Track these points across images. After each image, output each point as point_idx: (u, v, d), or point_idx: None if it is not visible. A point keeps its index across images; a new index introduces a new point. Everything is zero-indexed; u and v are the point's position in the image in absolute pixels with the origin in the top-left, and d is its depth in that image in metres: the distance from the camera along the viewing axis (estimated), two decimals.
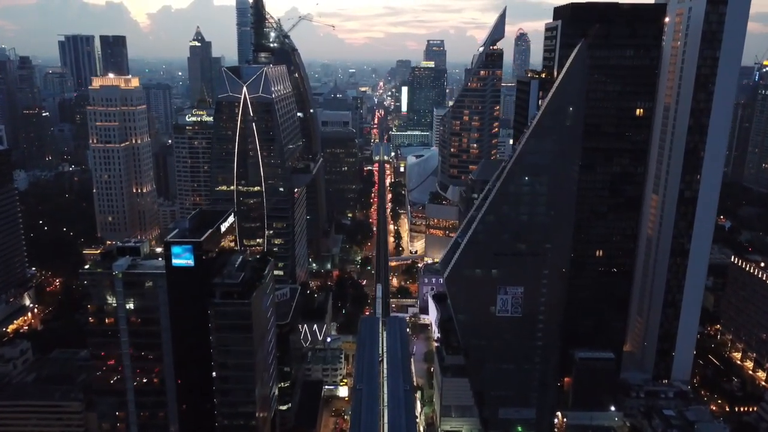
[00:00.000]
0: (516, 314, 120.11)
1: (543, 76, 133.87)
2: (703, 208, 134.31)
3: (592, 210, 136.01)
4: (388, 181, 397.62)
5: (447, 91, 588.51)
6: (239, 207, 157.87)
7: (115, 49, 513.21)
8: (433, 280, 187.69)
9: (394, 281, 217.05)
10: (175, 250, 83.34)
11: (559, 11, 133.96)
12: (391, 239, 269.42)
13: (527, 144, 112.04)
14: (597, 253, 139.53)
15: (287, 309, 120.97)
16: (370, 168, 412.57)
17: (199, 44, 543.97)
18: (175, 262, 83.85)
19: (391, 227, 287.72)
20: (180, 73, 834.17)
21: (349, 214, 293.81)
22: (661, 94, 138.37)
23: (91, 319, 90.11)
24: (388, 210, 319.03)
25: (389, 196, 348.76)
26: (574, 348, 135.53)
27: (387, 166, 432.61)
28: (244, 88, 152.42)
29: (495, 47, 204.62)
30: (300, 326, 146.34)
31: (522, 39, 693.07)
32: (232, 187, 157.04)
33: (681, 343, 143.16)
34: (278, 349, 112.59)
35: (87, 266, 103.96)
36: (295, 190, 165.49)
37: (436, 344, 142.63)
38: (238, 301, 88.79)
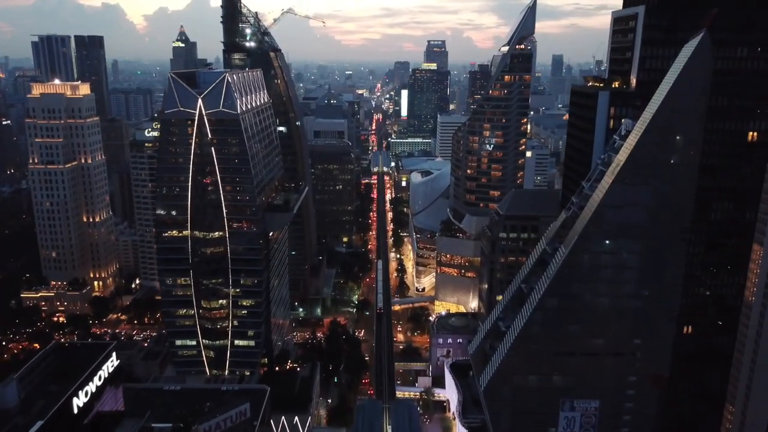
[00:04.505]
0: None
1: (615, 85, 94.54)
2: None
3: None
4: (387, 195, 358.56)
5: (448, 93, 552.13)
6: (195, 258, 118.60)
7: (91, 50, 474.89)
8: (449, 340, 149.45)
9: (399, 333, 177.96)
10: None
11: None
12: (393, 266, 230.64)
13: (611, 192, 73.12)
14: (685, 329, 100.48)
15: None
16: (368, 181, 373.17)
17: (183, 45, 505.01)
18: None
19: (393, 253, 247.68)
20: None
21: (345, 239, 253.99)
22: None
23: None
24: (389, 232, 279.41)
25: (390, 215, 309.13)
26: None
27: (386, 178, 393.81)
28: (200, 101, 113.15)
29: (522, 46, 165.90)
30: (274, 422, 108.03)
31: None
32: (185, 233, 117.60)
33: None
34: None
35: None
36: (271, 234, 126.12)
37: None
38: None
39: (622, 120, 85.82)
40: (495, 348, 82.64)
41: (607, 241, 75.80)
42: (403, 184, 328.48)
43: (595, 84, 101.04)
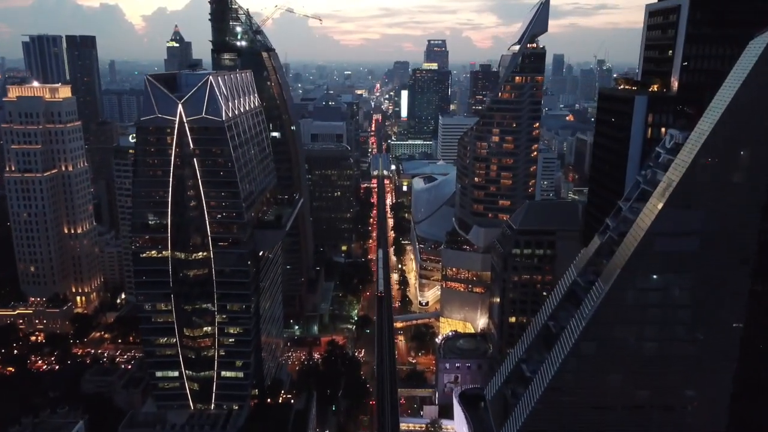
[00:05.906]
0: None
1: (654, 89, 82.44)
2: None
3: None
4: (388, 200, 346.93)
5: (449, 93, 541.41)
6: (176, 281, 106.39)
7: (83, 50, 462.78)
8: (457, 364, 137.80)
9: (402, 348, 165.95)
10: None
11: None
12: (394, 278, 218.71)
13: (661, 218, 60.97)
14: None
15: None
16: (368, 185, 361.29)
17: (178, 45, 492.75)
18: None
19: (395, 274, 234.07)
20: None
21: (344, 248, 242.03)
22: None
23: None
24: (391, 239, 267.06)
25: (391, 221, 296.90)
26: None
27: (387, 181, 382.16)
28: (180, 106, 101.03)
29: (534, 45, 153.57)
30: None
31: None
32: (165, 253, 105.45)
33: None
34: None
35: None
36: (261, 252, 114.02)
37: None
38: None
39: (665, 130, 73.93)
40: (518, 396, 70.70)
41: (656, 276, 63.86)
42: (404, 188, 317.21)
43: (628, 87, 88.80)
